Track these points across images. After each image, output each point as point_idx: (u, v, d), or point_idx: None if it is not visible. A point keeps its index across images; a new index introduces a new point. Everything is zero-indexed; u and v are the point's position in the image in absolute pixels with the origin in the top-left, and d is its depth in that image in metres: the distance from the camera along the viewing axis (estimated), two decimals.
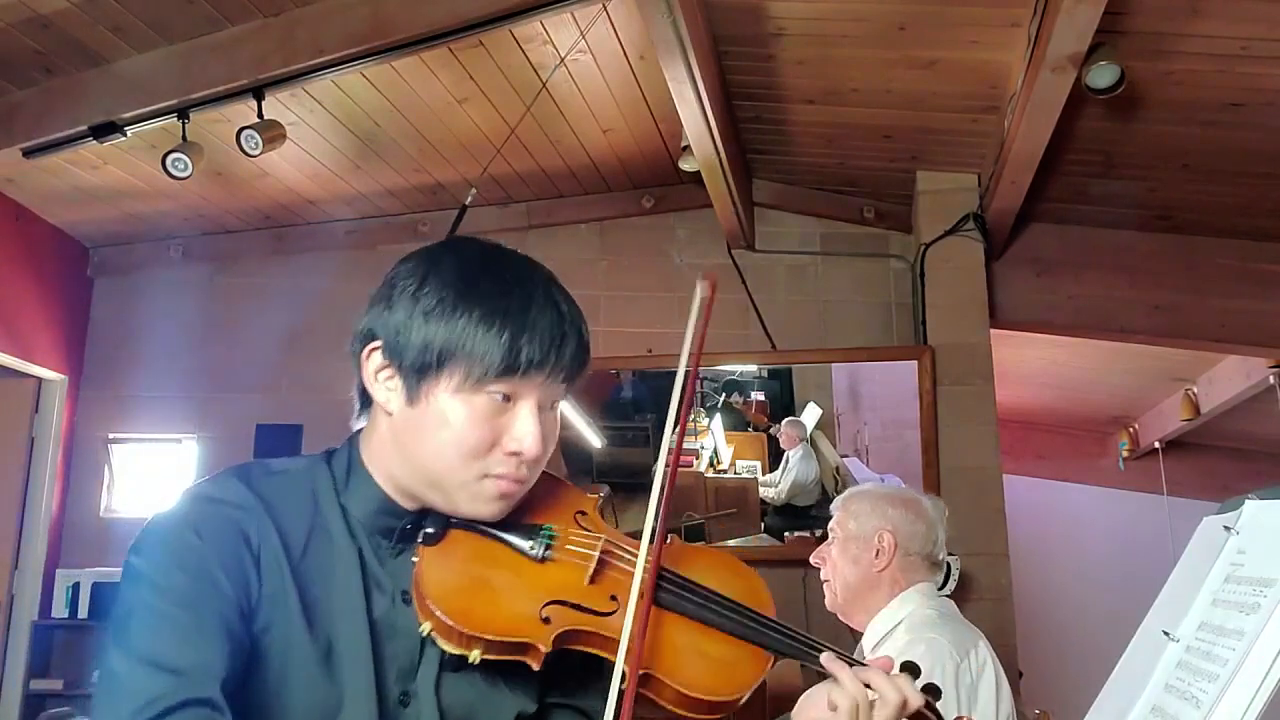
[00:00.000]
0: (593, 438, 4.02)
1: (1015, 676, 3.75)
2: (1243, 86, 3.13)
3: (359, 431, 1.10)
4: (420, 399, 1.01)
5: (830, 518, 2.26)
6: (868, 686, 1.00)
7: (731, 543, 4.24)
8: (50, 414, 4.47)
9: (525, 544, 1.05)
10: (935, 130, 3.86)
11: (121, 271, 4.73)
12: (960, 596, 3.69)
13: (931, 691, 1.08)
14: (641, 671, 1.00)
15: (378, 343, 1.04)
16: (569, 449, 4.31)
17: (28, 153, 3.50)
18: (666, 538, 1.12)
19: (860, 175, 4.36)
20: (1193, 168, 3.69)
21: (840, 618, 2.20)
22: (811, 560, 2.25)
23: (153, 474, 4.55)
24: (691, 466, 4.38)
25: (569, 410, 3.82)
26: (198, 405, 4.58)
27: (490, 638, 0.97)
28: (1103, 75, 2.94)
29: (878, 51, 3.35)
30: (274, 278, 4.69)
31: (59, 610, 4.30)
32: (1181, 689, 0.92)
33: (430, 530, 1.03)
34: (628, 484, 4.16)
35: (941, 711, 1.08)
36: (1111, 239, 4.26)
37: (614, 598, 1.03)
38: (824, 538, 2.27)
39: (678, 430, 1.05)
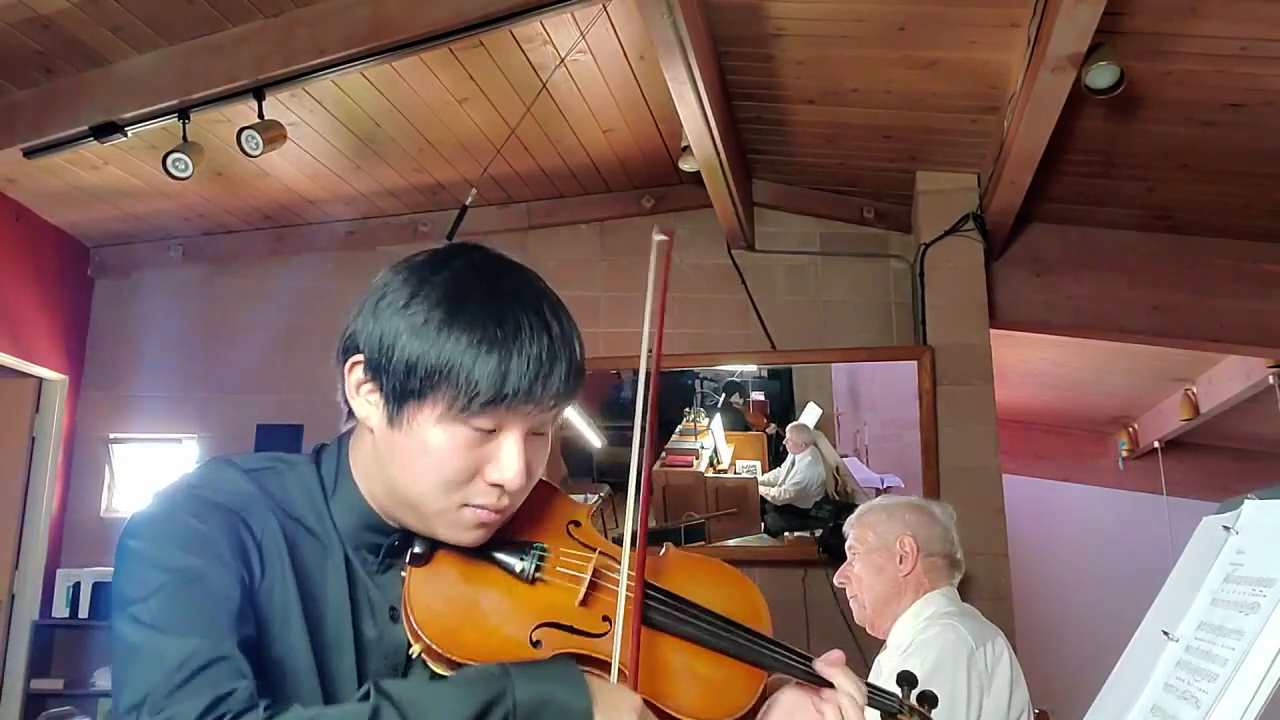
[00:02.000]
0: (593, 438, 4.02)
1: None
2: (1243, 86, 3.13)
3: (349, 432, 1.08)
4: (402, 424, 0.98)
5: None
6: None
7: (731, 542, 4.24)
8: (51, 414, 4.47)
9: (515, 563, 1.02)
10: (935, 130, 3.86)
11: (122, 271, 4.73)
12: (960, 596, 3.69)
13: (928, 700, 1.10)
14: None
15: (360, 356, 1.00)
16: (569, 449, 4.31)
17: (28, 153, 3.50)
18: (661, 548, 1.10)
19: (860, 175, 4.36)
20: (1193, 168, 3.69)
21: (869, 631, 2.24)
22: (836, 581, 2.31)
23: (153, 474, 4.55)
24: (691, 466, 4.38)
25: (569, 410, 3.83)
26: (198, 405, 4.58)
27: (481, 663, 0.95)
28: (1102, 75, 2.94)
29: (877, 51, 3.35)
30: (274, 278, 4.69)
31: (59, 610, 4.30)
32: (1181, 688, 0.92)
33: (418, 551, 1.01)
34: (628, 484, 4.15)
35: (931, 715, 1.09)
36: (1111, 239, 4.26)
37: (606, 619, 1.00)
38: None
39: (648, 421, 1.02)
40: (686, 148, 3.83)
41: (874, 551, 2.21)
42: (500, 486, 0.98)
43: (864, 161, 4.23)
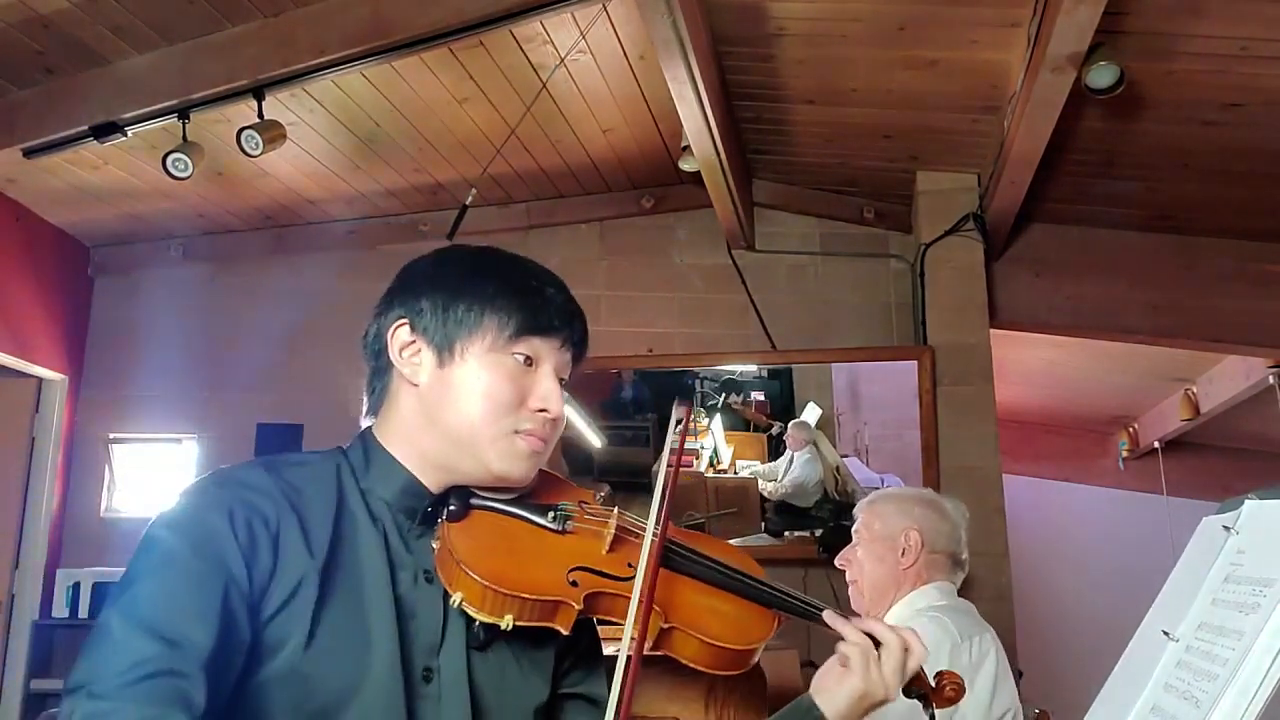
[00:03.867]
0: (593, 437, 4.02)
1: (1015, 675, 3.75)
2: (1243, 86, 3.13)
3: (369, 427, 1.15)
4: (452, 359, 1.09)
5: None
6: (871, 637, 1.10)
7: (732, 542, 4.23)
8: (50, 414, 4.47)
9: (545, 518, 1.12)
10: (935, 130, 3.86)
11: (122, 271, 4.73)
12: (961, 596, 3.68)
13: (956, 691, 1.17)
14: (665, 626, 1.07)
15: (403, 320, 1.11)
16: (569, 448, 4.31)
17: (28, 153, 3.50)
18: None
19: (860, 175, 4.36)
20: (1193, 168, 3.69)
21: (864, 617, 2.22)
22: (837, 563, 2.29)
23: (153, 474, 4.55)
24: (692, 466, 4.38)
25: (569, 410, 3.83)
26: (198, 405, 4.58)
27: (526, 596, 1.02)
28: (1103, 75, 2.94)
29: (878, 51, 3.35)
30: (274, 277, 4.69)
31: (59, 610, 4.30)
32: (1181, 689, 0.92)
33: (454, 507, 1.09)
34: (628, 484, 4.16)
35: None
36: (1111, 239, 4.26)
37: (631, 565, 1.09)
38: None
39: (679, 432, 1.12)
40: (686, 147, 3.82)
41: (878, 540, 2.19)
42: (544, 412, 1.10)
43: (864, 161, 4.23)
